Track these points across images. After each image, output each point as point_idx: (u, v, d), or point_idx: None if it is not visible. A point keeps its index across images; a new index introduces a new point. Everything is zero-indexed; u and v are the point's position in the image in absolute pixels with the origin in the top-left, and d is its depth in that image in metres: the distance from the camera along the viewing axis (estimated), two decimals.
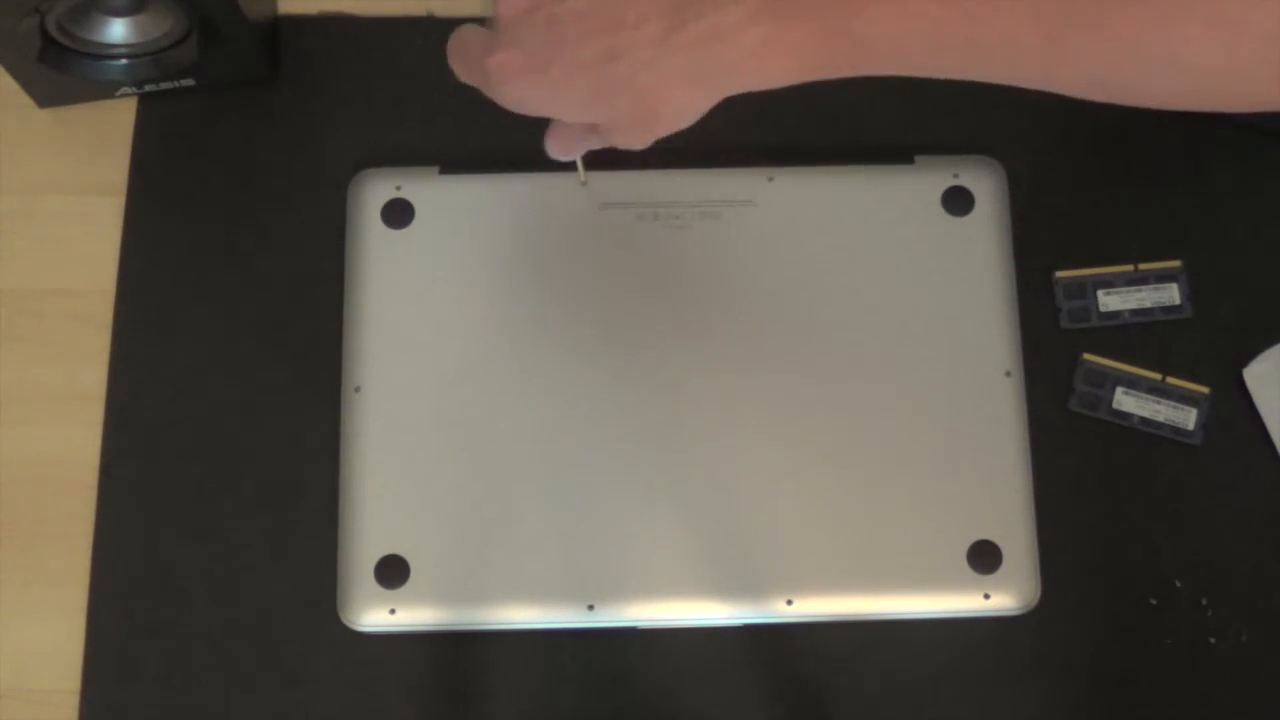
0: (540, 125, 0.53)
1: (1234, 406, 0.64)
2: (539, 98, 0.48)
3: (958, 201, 0.65)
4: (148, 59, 0.65)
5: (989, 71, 0.45)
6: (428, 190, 0.66)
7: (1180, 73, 0.43)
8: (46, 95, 0.68)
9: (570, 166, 0.63)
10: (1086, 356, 0.65)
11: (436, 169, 0.66)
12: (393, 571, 0.61)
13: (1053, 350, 0.65)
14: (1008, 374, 0.63)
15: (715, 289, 0.64)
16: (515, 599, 0.61)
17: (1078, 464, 0.64)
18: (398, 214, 0.65)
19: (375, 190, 0.66)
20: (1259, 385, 0.64)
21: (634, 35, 0.44)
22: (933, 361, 0.63)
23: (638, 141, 0.48)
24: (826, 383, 0.63)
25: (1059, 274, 0.66)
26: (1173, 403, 0.64)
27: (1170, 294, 0.65)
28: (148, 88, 0.67)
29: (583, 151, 0.54)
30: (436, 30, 0.70)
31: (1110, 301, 0.65)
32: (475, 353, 0.64)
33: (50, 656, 0.62)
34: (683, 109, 0.46)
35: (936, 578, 0.61)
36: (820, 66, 0.44)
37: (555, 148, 0.53)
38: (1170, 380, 0.64)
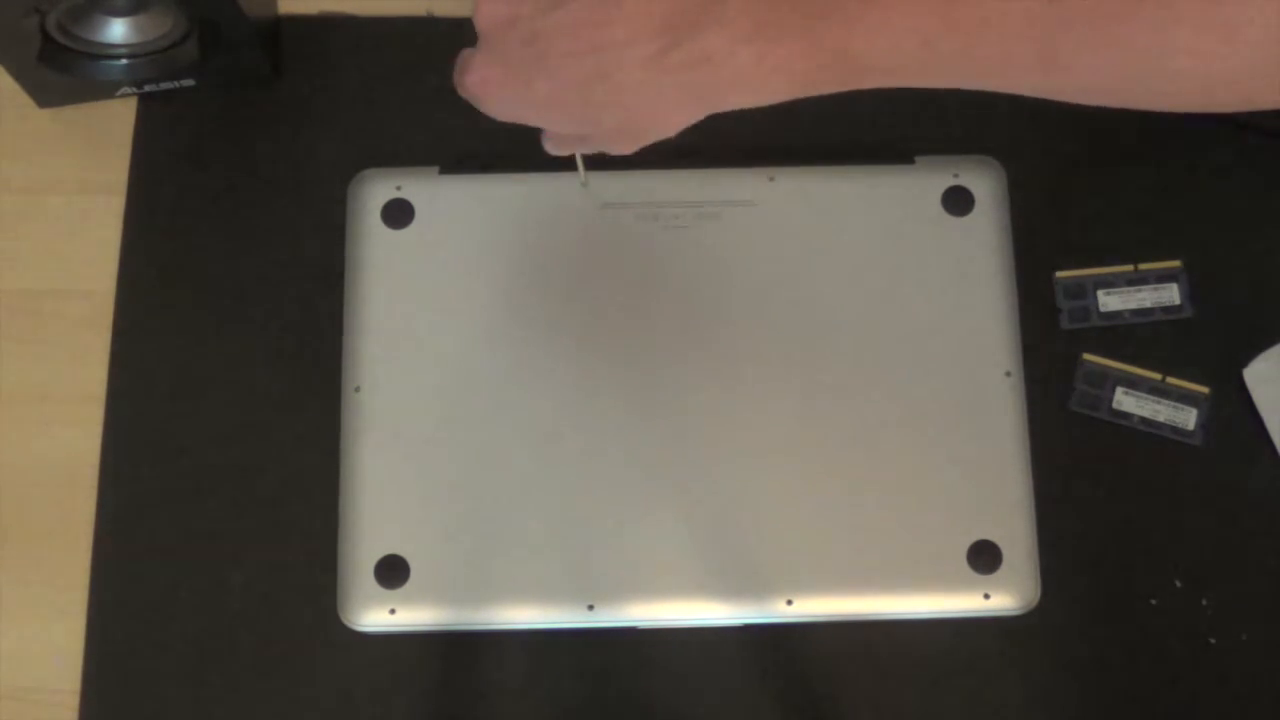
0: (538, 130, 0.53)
1: (1234, 406, 0.64)
2: (524, 111, 0.48)
3: (958, 201, 0.65)
4: (148, 59, 0.65)
5: (982, 83, 0.44)
6: (428, 190, 0.66)
7: (1176, 79, 0.43)
8: (46, 95, 0.68)
9: (570, 166, 0.63)
10: (1086, 356, 0.65)
11: (436, 169, 0.66)
12: (393, 571, 0.61)
13: (1053, 350, 0.65)
14: (1008, 374, 0.63)
15: (715, 289, 0.64)
16: (515, 599, 0.61)
17: (1078, 464, 0.64)
18: (398, 214, 0.65)
19: (375, 190, 0.66)
20: (1259, 385, 0.64)
21: (622, 54, 0.44)
22: (933, 361, 0.63)
23: (624, 150, 0.49)
24: (826, 382, 0.63)
25: (1059, 274, 0.66)
26: (1173, 403, 0.64)
27: (1170, 294, 0.65)
28: (148, 88, 0.67)
29: (575, 150, 0.54)
30: (436, 30, 0.70)
31: (1110, 301, 0.65)
32: (475, 353, 0.64)
33: (50, 656, 0.62)
34: (670, 125, 0.46)
35: (936, 578, 0.61)
36: (813, 84, 0.44)
37: (550, 146, 0.53)
38: (1170, 380, 0.64)
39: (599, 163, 0.62)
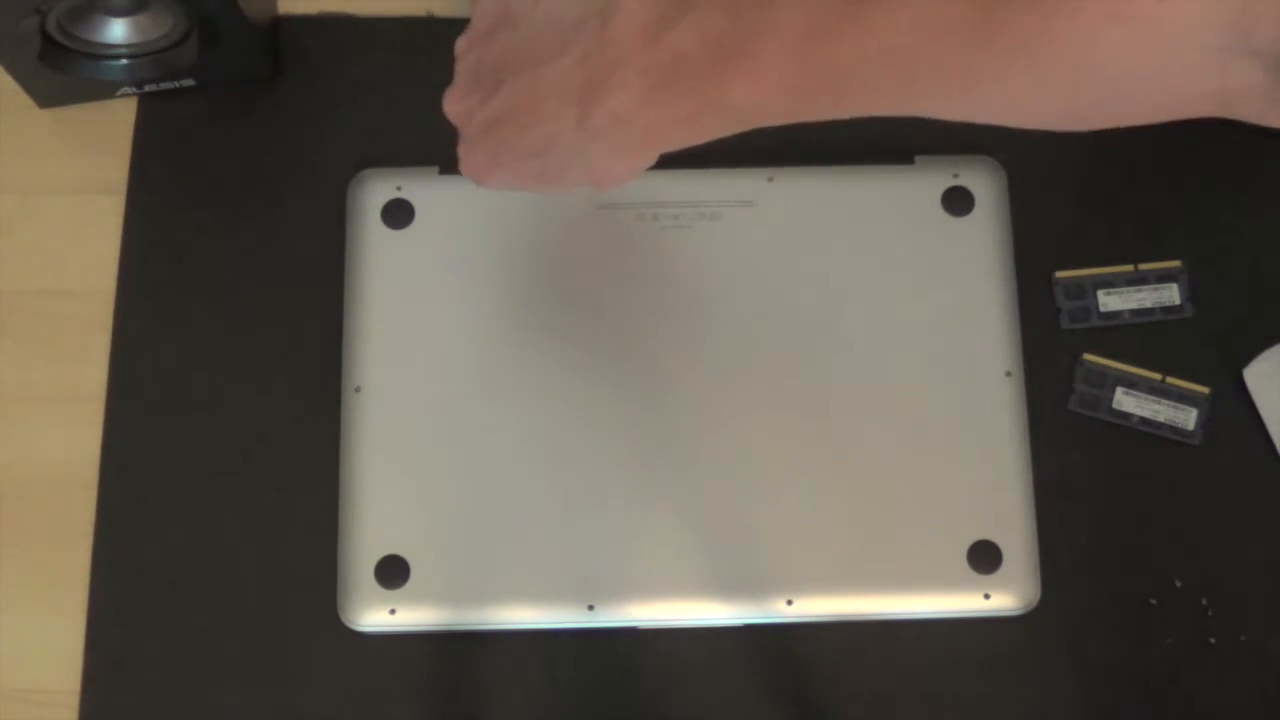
0: None
1: (1234, 406, 0.64)
2: (510, 183, 0.51)
3: (958, 201, 0.65)
4: (148, 59, 0.65)
5: (871, 113, 0.45)
6: (428, 190, 0.66)
7: (1017, 115, 0.43)
8: (46, 95, 0.68)
9: None
10: (1086, 356, 0.65)
11: (436, 169, 0.66)
12: (393, 571, 0.61)
13: (1053, 350, 0.65)
14: (1008, 374, 0.63)
15: (715, 289, 0.64)
16: (515, 599, 0.61)
17: (1078, 464, 0.64)
18: (398, 214, 0.65)
19: (375, 190, 0.66)
20: (1259, 385, 0.64)
21: (555, 126, 0.47)
22: (933, 361, 0.63)
23: (608, 189, 0.50)
24: (826, 383, 0.63)
25: (1059, 274, 0.66)
26: (1173, 403, 0.64)
27: (1170, 294, 0.65)
28: (148, 88, 0.67)
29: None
30: (436, 30, 0.70)
31: (1110, 301, 0.65)
32: (475, 353, 0.64)
33: (50, 656, 0.62)
34: (626, 173, 0.48)
35: (936, 578, 0.61)
36: (713, 131, 0.46)
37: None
38: (1170, 380, 0.64)
39: None
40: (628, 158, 0.47)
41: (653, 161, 0.48)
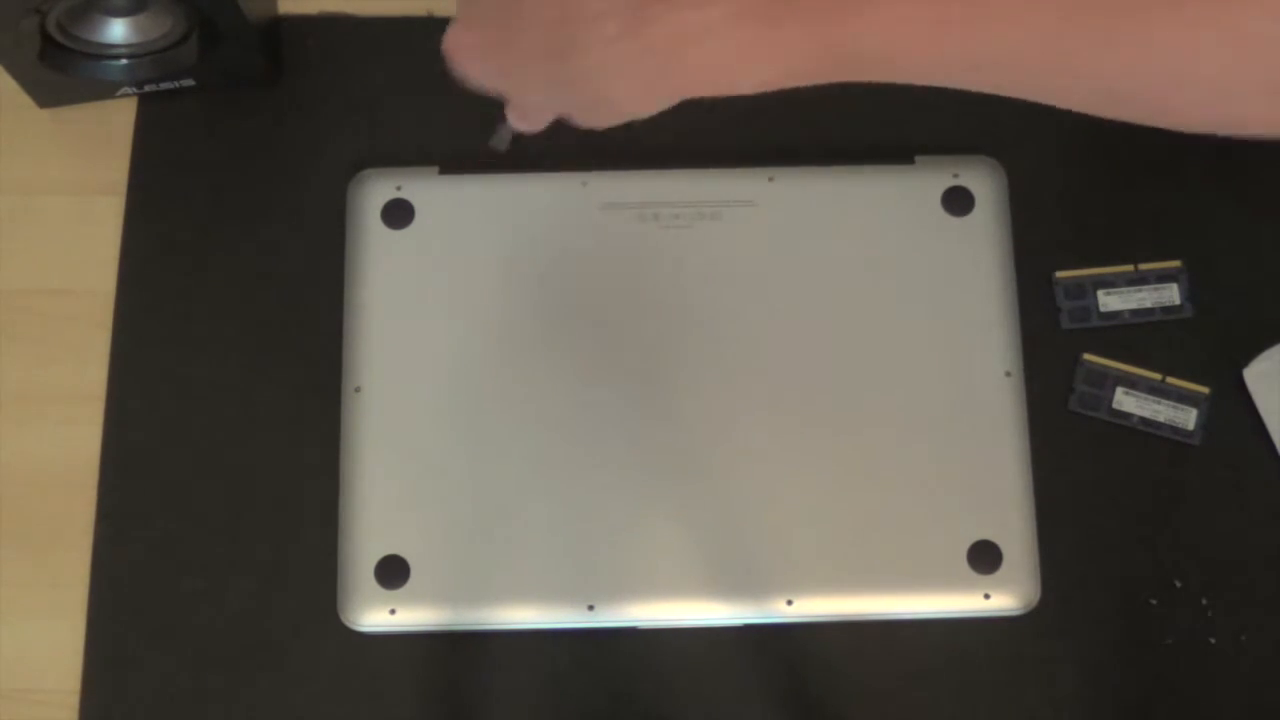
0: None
1: (1234, 406, 0.64)
2: (492, 79, 0.46)
3: (958, 201, 0.65)
4: (148, 59, 0.65)
5: (987, 84, 0.42)
6: (428, 190, 0.66)
7: (1193, 86, 0.40)
8: (46, 95, 0.68)
9: (571, 167, 0.63)
10: (1086, 356, 0.65)
11: (436, 169, 0.66)
12: (393, 571, 0.61)
13: (1053, 350, 0.65)
14: (1008, 374, 0.63)
15: (715, 289, 0.64)
16: (515, 599, 0.61)
17: (1078, 464, 0.64)
18: (398, 214, 0.65)
19: (375, 190, 0.66)
20: (1259, 385, 0.64)
21: (590, 32, 0.41)
22: (933, 361, 0.63)
23: (594, 126, 0.45)
24: (826, 382, 0.63)
25: (1059, 274, 0.66)
26: (1173, 403, 0.64)
27: (1170, 294, 0.65)
28: (148, 88, 0.67)
29: (539, 125, 0.49)
30: (436, 30, 0.69)
31: (1110, 301, 0.65)
32: (475, 353, 0.64)
33: (50, 656, 0.62)
34: (641, 108, 0.43)
35: (936, 578, 0.61)
36: (804, 74, 0.41)
37: (515, 117, 0.49)
38: (1170, 380, 0.64)
39: (599, 163, 0.62)
40: (659, 91, 0.41)
41: (672, 103, 0.42)
